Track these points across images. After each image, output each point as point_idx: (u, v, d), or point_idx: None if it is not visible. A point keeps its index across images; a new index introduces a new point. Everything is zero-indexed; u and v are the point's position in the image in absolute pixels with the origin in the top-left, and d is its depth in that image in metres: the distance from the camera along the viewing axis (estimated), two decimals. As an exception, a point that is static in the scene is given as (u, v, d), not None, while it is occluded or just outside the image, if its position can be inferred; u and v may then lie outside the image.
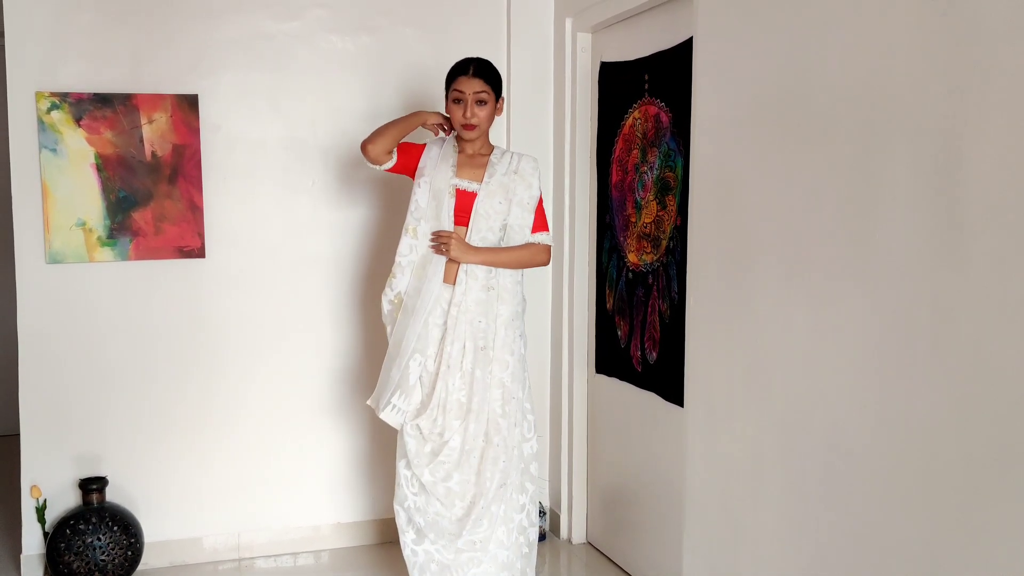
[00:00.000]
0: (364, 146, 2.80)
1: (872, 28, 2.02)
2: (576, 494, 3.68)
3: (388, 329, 2.91)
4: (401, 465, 2.84)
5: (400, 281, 2.83)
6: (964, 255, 1.80)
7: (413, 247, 2.83)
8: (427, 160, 2.86)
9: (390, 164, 2.84)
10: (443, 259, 2.77)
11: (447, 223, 2.79)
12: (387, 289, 2.87)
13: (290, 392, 3.59)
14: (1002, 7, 1.71)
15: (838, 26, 2.12)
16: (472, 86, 2.74)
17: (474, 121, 2.76)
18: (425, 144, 2.89)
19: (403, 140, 2.88)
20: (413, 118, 2.85)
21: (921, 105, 1.89)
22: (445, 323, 2.78)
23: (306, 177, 3.55)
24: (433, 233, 2.79)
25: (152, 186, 3.35)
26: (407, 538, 2.85)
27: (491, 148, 2.90)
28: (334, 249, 3.60)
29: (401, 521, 2.85)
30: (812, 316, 2.24)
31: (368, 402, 2.93)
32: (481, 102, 2.76)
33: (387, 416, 2.81)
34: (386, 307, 2.89)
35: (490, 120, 2.82)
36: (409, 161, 2.87)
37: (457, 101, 2.76)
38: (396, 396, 2.80)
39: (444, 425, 2.77)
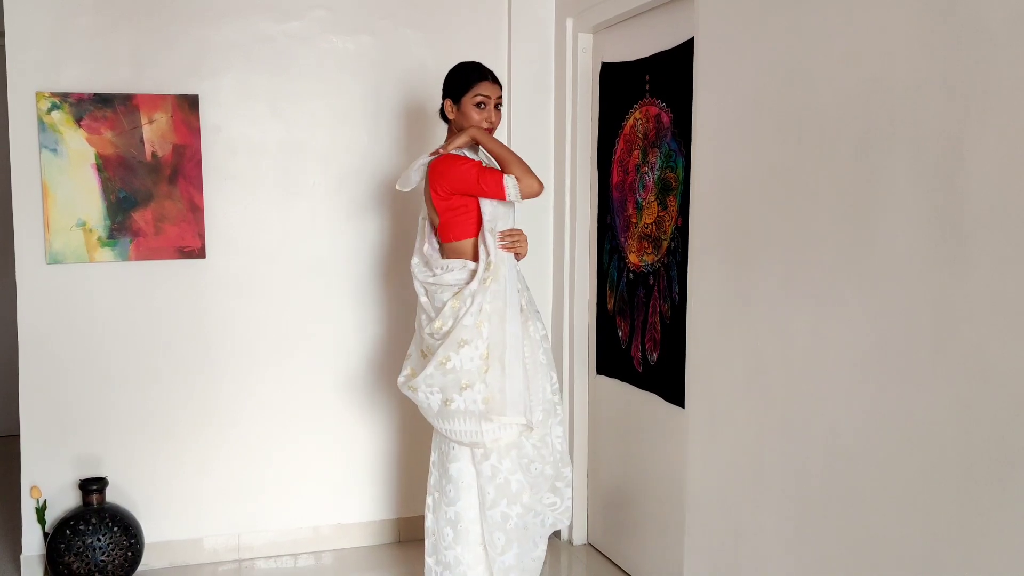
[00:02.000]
0: (538, 187, 2.68)
1: (873, 29, 2.02)
2: (577, 495, 3.66)
3: (467, 336, 2.65)
4: (506, 470, 2.73)
5: (498, 286, 2.67)
6: (964, 256, 1.80)
7: (497, 250, 2.71)
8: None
9: None
10: (512, 259, 2.75)
11: (514, 222, 2.82)
12: (484, 294, 2.65)
13: (290, 393, 3.59)
14: (1002, 8, 1.70)
15: (839, 27, 2.12)
16: (495, 91, 2.79)
17: (496, 124, 2.81)
18: (465, 155, 2.77)
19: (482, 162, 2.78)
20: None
21: (921, 106, 1.89)
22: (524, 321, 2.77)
23: (306, 178, 3.54)
24: (507, 232, 2.74)
25: (152, 186, 3.35)
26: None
27: None
28: (334, 251, 3.60)
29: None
30: (813, 317, 2.23)
31: (504, 416, 2.66)
32: (498, 107, 2.81)
33: (513, 431, 2.70)
34: (472, 319, 2.65)
35: None
36: None
37: (481, 105, 2.76)
38: (523, 409, 2.68)
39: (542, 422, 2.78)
